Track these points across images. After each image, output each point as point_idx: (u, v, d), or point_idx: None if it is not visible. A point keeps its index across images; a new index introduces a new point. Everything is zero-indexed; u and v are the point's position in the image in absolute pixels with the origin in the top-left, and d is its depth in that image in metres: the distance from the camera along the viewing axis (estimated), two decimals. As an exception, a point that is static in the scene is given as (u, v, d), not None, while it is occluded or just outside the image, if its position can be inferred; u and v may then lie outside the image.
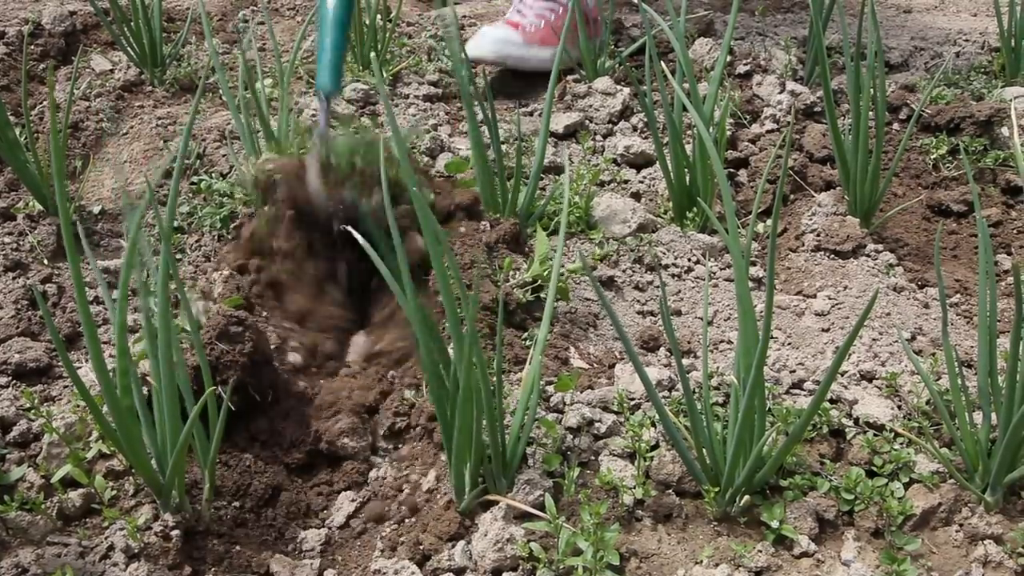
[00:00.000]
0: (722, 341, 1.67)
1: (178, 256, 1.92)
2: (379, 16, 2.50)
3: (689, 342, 1.67)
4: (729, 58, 2.47)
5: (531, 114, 2.37)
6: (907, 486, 1.35)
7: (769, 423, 1.37)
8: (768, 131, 2.24)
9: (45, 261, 1.88)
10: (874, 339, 1.61)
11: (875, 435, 1.42)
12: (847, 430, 1.44)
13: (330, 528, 1.39)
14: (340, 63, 1.75)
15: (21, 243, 1.90)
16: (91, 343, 1.21)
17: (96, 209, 2.04)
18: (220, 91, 2.36)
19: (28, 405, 1.47)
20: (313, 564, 1.33)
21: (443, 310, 1.29)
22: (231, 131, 2.16)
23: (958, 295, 1.76)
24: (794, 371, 1.56)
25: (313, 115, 2.22)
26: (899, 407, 1.47)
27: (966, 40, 2.73)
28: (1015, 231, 1.93)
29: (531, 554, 1.25)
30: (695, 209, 1.92)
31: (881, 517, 1.31)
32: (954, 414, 1.35)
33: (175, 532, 1.29)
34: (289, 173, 1.71)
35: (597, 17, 2.55)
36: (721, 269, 1.84)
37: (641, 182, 2.09)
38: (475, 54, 2.42)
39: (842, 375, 1.55)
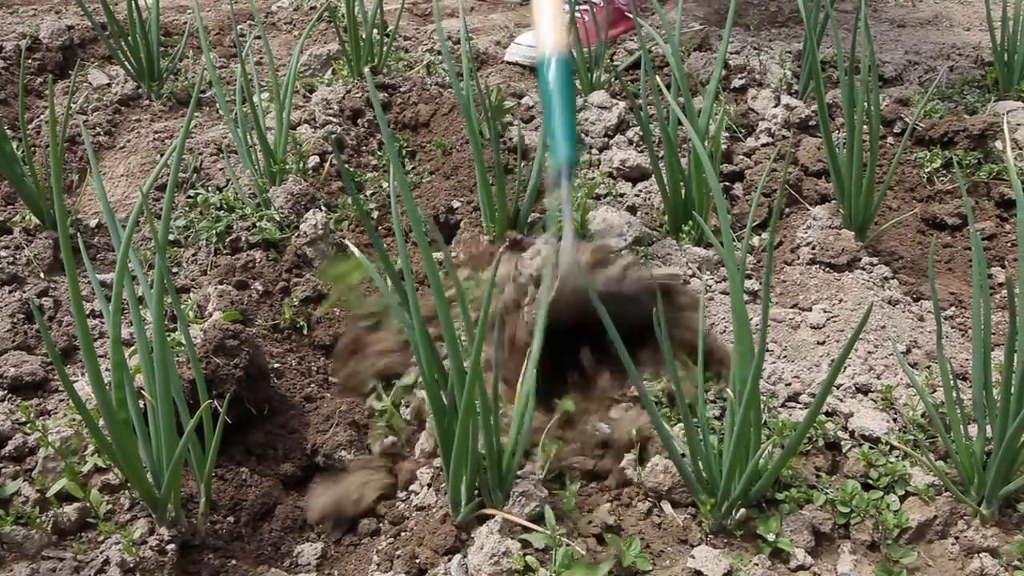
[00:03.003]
0: (718, 354, 1.67)
1: (174, 270, 1.92)
2: (376, 30, 2.51)
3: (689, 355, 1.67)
4: (724, 72, 2.48)
5: (528, 122, 2.37)
6: (903, 499, 1.35)
7: (765, 436, 1.37)
8: (763, 145, 2.24)
9: (42, 274, 1.88)
10: (869, 352, 1.61)
11: (871, 448, 1.42)
12: (843, 443, 1.44)
13: (326, 542, 1.39)
14: (574, 129, 1.58)
15: (18, 257, 1.90)
16: (87, 356, 1.22)
17: (93, 223, 2.04)
18: (217, 104, 2.37)
19: (24, 419, 1.47)
20: (309, 578, 1.33)
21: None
22: (228, 144, 2.17)
23: (953, 308, 1.77)
24: (790, 384, 1.56)
25: (325, 136, 2.22)
26: (894, 420, 1.48)
27: (959, 54, 2.75)
28: (1009, 244, 1.94)
29: (527, 567, 1.25)
30: (691, 222, 1.92)
31: (877, 530, 1.31)
32: (949, 427, 1.36)
33: (171, 546, 1.29)
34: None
35: (627, 14, 2.75)
36: (717, 282, 1.85)
37: (637, 195, 2.10)
38: (511, 59, 2.71)
39: (837, 388, 1.55)
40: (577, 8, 2.57)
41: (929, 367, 1.57)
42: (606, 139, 2.28)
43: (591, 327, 1.28)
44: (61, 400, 1.57)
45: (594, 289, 1.28)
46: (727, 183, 2.14)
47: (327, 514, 1.41)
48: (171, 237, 1.99)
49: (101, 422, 1.27)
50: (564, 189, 1.52)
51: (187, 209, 2.05)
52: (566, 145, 1.53)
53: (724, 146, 2.18)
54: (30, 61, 2.58)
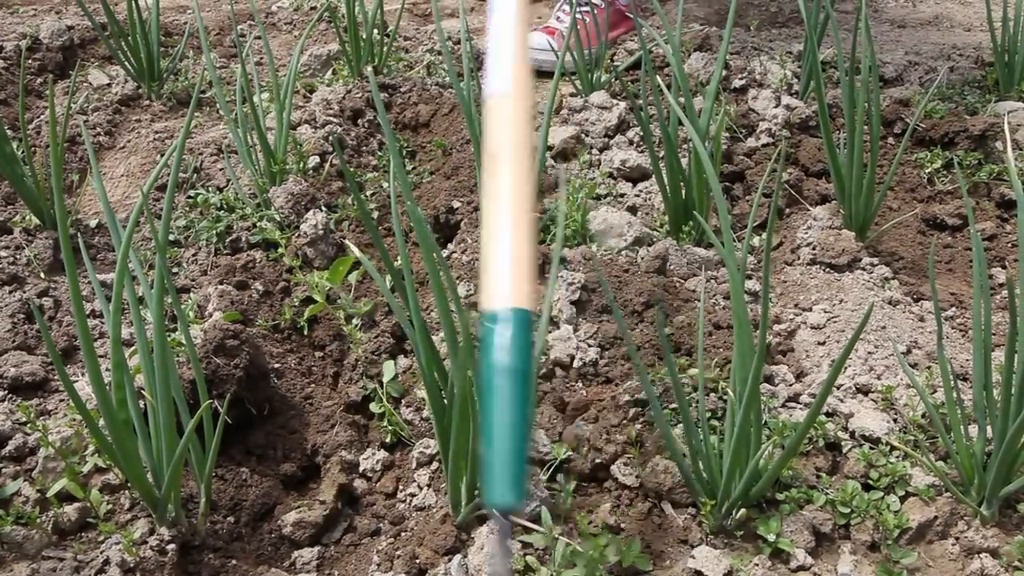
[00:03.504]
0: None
1: (174, 270, 1.92)
2: (376, 30, 2.51)
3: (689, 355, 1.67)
4: (724, 72, 2.48)
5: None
6: (903, 499, 1.35)
7: (765, 436, 1.37)
8: (763, 145, 2.24)
9: (42, 275, 1.88)
10: (870, 352, 1.61)
11: (871, 448, 1.42)
12: (843, 443, 1.44)
13: (326, 543, 1.39)
14: (525, 445, 0.96)
15: (18, 257, 1.90)
16: (88, 357, 1.22)
17: (93, 223, 2.04)
18: (217, 105, 2.37)
19: (24, 419, 1.47)
20: (309, 578, 1.33)
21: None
22: (228, 145, 2.17)
23: (953, 308, 1.76)
24: (791, 384, 1.56)
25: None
26: (895, 420, 1.47)
27: (960, 55, 2.75)
28: (1009, 245, 1.94)
29: (527, 567, 1.25)
30: (691, 223, 1.92)
31: (877, 530, 1.31)
32: (949, 427, 1.36)
33: (171, 546, 1.29)
34: None
35: (627, 15, 2.74)
36: (718, 284, 1.85)
37: (637, 196, 2.10)
38: None
39: (838, 388, 1.55)
40: (578, 9, 2.57)
41: (929, 367, 1.57)
42: (606, 139, 2.28)
43: None
44: (61, 400, 1.57)
45: None
46: (727, 183, 2.14)
47: None
48: (171, 237, 1.99)
49: (101, 422, 1.27)
50: (499, 547, 0.94)
51: (187, 209, 2.05)
52: (508, 477, 0.93)
53: (724, 146, 2.17)
54: (30, 61, 2.58)
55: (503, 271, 1.01)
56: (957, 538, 1.30)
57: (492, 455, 0.94)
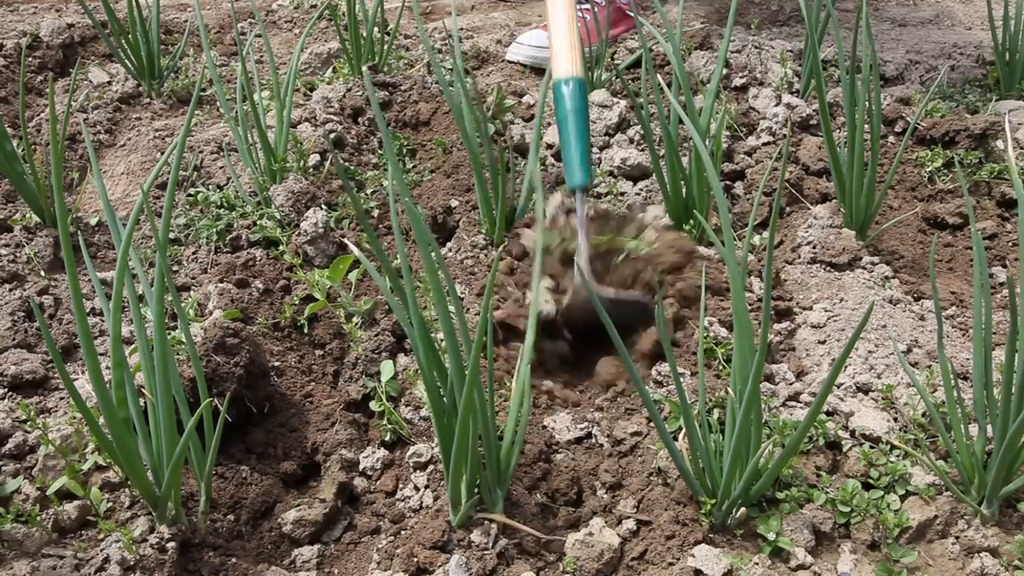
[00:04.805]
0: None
1: (175, 268, 1.92)
2: (376, 29, 2.51)
3: (693, 353, 1.67)
4: (725, 71, 2.48)
5: (529, 120, 2.37)
6: (903, 498, 1.35)
7: (765, 435, 1.37)
8: (764, 144, 2.24)
9: (42, 273, 1.88)
10: (870, 351, 1.61)
11: (871, 447, 1.42)
12: (843, 442, 1.44)
13: (326, 541, 1.39)
14: (588, 152, 1.69)
15: (18, 255, 1.90)
16: (88, 355, 1.22)
17: (93, 221, 2.04)
18: (217, 103, 2.37)
19: (24, 417, 1.47)
20: (309, 577, 1.32)
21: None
22: (228, 143, 2.17)
23: (954, 307, 1.76)
24: (791, 383, 1.56)
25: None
26: (895, 419, 1.47)
27: (961, 54, 2.74)
28: (1010, 244, 1.94)
29: (527, 567, 1.25)
30: (692, 221, 1.92)
31: (877, 530, 1.31)
32: (950, 426, 1.36)
33: (171, 544, 1.29)
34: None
35: (628, 13, 2.75)
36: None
37: (638, 194, 2.10)
38: (512, 58, 2.71)
39: (838, 387, 1.55)
40: (579, 7, 2.57)
41: (930, 366, 1.56)
42: (607, 138, 2.28)
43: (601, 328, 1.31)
44: (61, 398, 1.57)
45: (600, 297, 1.33)
46: (728, 182, 2.14)
47: None
48: (171, 235, 1.99)
49: (101, 420, 1.27)
50: (579, 210, 1.64)
51: (187, 207, 2.05)
52: (581, 169, 1.65)
53: (725, 145, 2.17)
54: (31, 59, 2.58)
55: (565, 54, 1.72)
56: (957, 537, 1.30)
57: (570, 158, 1.67)
